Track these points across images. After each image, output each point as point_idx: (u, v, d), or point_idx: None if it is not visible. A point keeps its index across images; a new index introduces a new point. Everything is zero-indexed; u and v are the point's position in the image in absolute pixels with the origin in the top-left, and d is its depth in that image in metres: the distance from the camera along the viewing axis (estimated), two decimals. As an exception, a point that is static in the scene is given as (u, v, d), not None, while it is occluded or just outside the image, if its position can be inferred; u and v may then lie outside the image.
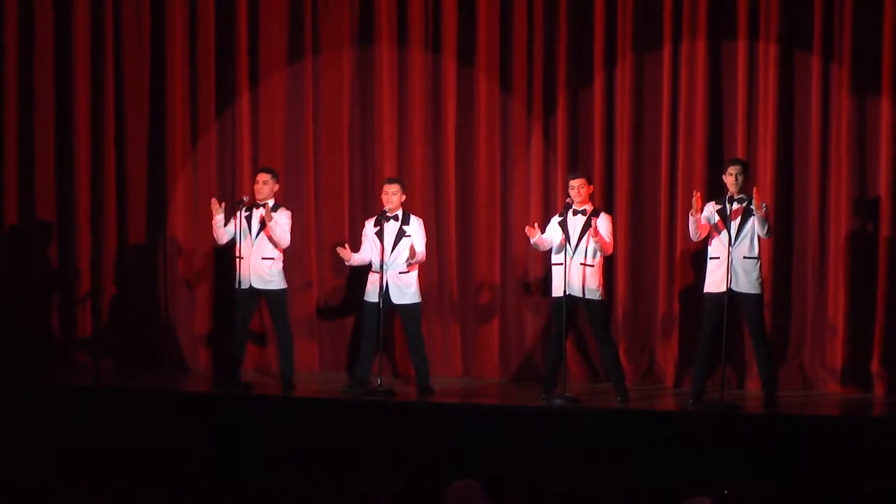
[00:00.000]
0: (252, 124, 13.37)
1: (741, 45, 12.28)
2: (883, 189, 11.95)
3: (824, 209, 12.16)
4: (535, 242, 11.63)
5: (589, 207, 11.59)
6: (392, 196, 11.90)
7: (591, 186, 11.77)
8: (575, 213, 11.56)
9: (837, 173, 12.10)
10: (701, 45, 12.37)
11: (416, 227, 11.94)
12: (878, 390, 11.91)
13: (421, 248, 11.88)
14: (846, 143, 12.03)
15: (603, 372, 12.28)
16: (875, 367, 11.95)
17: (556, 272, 11.57)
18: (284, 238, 12.05)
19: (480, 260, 12.98)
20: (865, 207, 12.04)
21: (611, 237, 11.59)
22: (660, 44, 12.50)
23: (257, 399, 11.66)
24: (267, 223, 11.91)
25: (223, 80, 13.40)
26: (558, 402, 11.19)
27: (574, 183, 11.60)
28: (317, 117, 13.28)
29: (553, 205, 12.75)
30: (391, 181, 12.06)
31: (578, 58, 12.74)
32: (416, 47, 13.06)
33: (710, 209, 11.40)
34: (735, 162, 11.47)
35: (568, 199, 11.53)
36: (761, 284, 11.34)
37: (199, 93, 13.42)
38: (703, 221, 11.30)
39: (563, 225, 11.57)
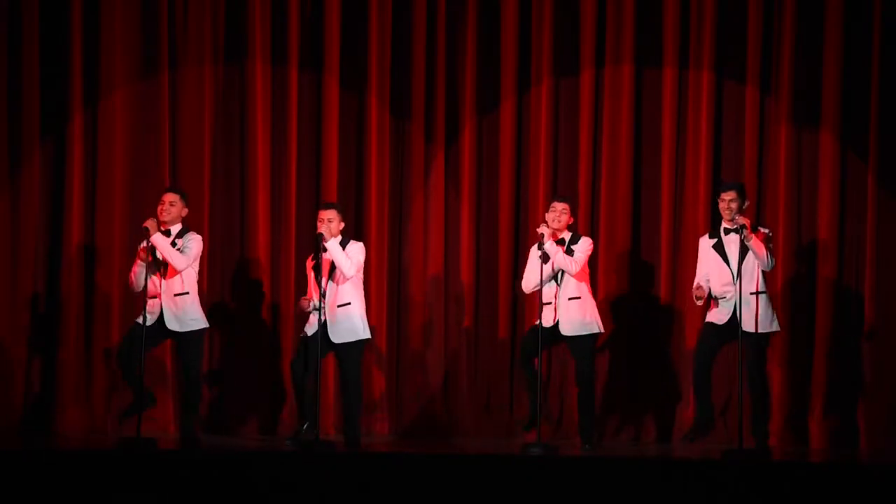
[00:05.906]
0: (86, 151, 11.51)
1: (668, 72, 11.44)
2: (822, 223, 11.24)
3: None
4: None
5: (567, 236, 10.34)
6: (329, 224, 10.28)
7: (572, 218, 10.49)
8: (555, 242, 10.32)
9: (773, 207, 11.32)
10: (626, 70, 11.47)
11: (354, 249, 10.39)
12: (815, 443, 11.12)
13: (346, 263, 10.27)
14: (783, 176, 11.27)
15: None
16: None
17: (546, 312, 10.24)
18: (180, 262, 10.25)
19: (370, 305, 11.46)
20: (804, 245, 11.32)
21: (583, 258, 10.37)
22: (577, 69, 11.56)
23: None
24: (151, 234, 10.15)
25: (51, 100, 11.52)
26: (535, 451, 9.79)
27: (557, 206, 10.33)
28: (174, 141, 11.58)
29: (453, 242, 11.55)
30: (328, 206, 10.46)
31: (487, 81, 11.65)
32: (293, 66, 11.61)
33: (705, 244, 10.30)
34: (729, 187, 10.22)
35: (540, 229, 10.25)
36: (772, 322, 10.21)
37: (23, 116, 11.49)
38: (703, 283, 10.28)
39: (544, 258, 10.22)
